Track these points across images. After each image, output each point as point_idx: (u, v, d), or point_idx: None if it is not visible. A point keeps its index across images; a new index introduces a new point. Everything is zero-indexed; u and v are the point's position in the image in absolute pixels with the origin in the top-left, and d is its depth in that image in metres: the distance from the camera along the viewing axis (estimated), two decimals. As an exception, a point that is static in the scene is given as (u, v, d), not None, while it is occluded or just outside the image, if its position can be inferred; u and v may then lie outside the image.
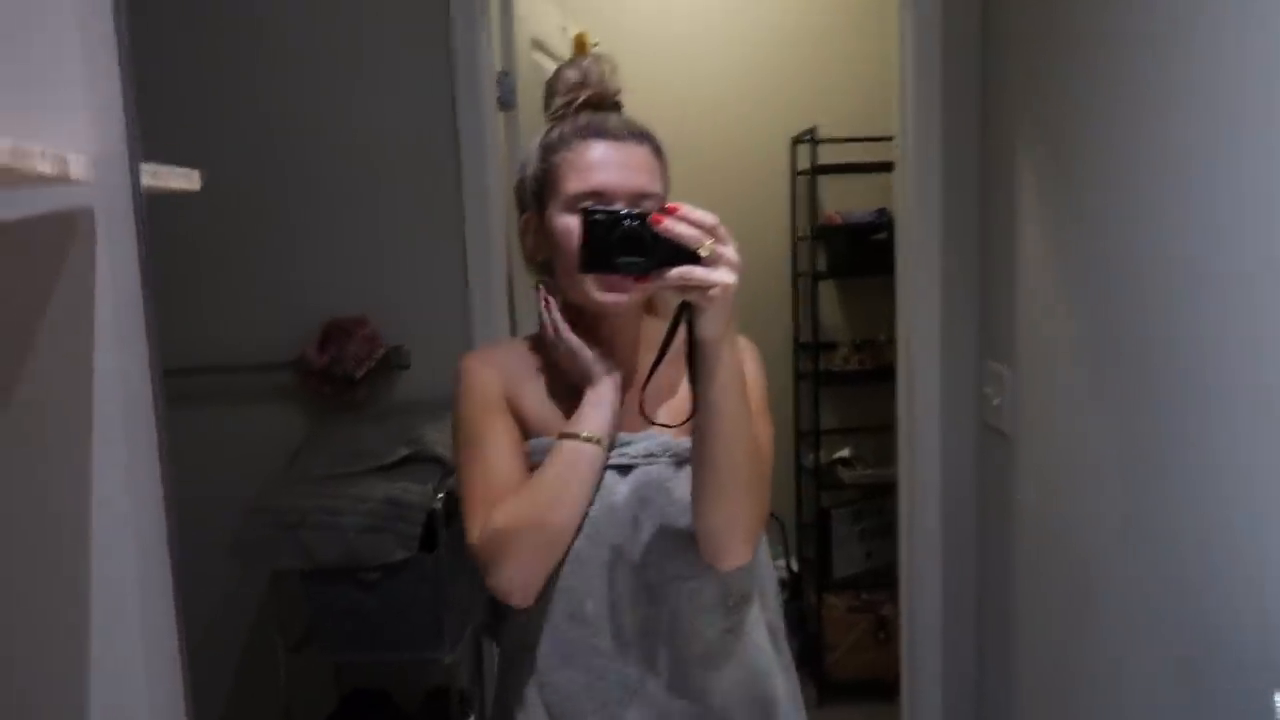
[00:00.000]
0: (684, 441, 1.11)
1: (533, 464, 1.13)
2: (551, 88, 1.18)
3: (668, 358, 1.08)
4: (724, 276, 0.93)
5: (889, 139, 2.26)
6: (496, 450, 1.14)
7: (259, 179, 2.11)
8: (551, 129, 1.14)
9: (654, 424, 1.09)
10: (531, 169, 1.15)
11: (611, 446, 1.12)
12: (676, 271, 0.93)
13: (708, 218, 0.94)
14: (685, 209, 0.94)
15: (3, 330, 0.51)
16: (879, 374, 3.03)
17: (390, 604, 1.84)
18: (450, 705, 1.94)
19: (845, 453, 3.49)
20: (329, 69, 2.09)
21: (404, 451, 1.88)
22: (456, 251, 2.13)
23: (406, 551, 1.77)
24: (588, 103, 1.14)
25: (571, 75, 1.16)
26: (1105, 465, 1.58)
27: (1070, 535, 1.72)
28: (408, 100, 2.09)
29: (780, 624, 1.24)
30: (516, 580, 1.09)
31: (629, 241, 0.94)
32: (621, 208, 0.97)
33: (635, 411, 1.11)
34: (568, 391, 1.16)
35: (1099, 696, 1.63)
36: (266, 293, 2.14)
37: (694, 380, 1.02)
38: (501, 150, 2.20)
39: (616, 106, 1.17)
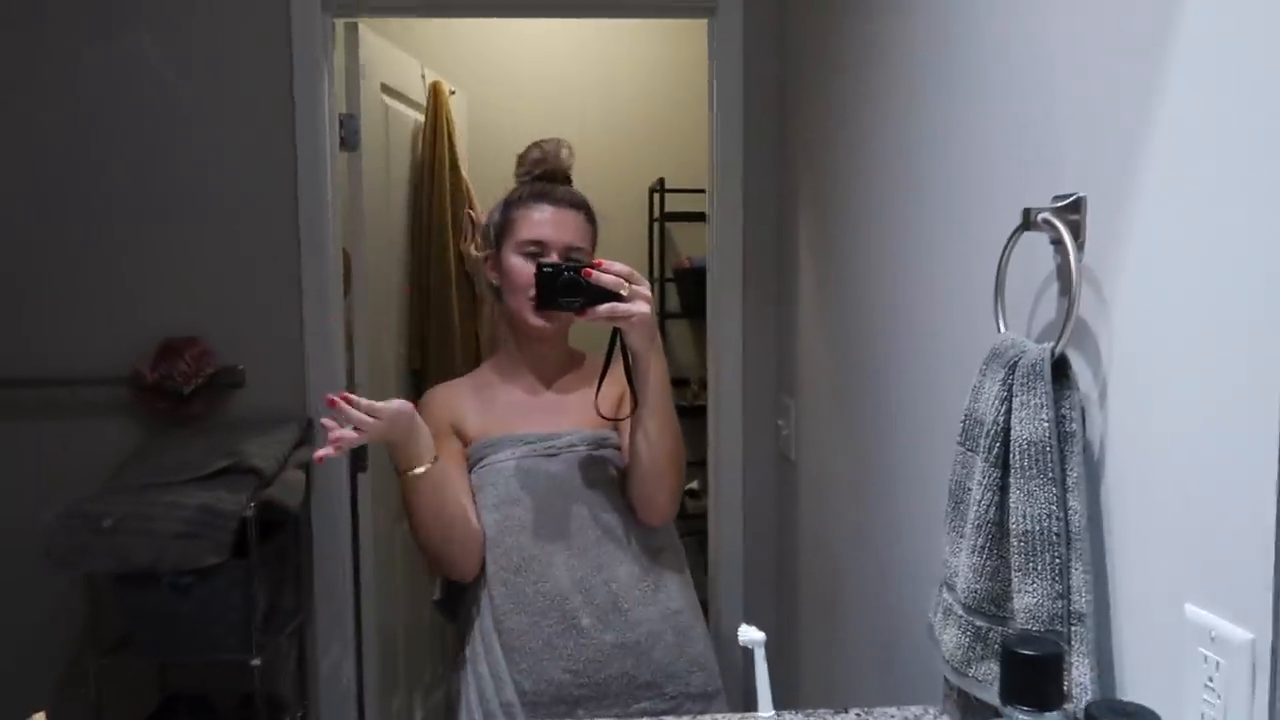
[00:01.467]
0: (600, 432, 1.53)
1: (472, 463, 1.54)
2: (521, 159, 1.62)
3: (610, 370, 1.51)
4: (639, 307, 1.33)
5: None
6: (446, 459, 1.49)
7: (100, 195, 2.21)
8: (514, 191, 1.58)
9: (606, 419, 1.51)
10: (495, 219, 1.57)
11: (540, 441, 1.52)
12: (605, 307, 1.31)
13: (623, 268, 1.34)
14: (607, 264, 1.33)
15: None
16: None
17: (202, 608, 1.94)
18: (258, 710, 2.03)
19: (694, 484, 3.66)
20: (177, 92, 2.20)
21: (223, 463, 1.98)
22: (294, 280, 2.25)
23: (218, 557, 1.87)
24: (543, 175, 1.58)
25: (535, 154, 1.60)
26: (844, 484, 1.78)
27: (828, 546, 1.91)
28: (250, 132, 2.22)
29: (687, 574, 1.60)
30: (457, 573, 1.52)
31: (569, 287, 1.34)
32: (563, 263, 1.39)
33: (561, 412, 1.56)
34: (508, 393, 1.59)
35: (843, 675, 1.81)
36: (103, 308, 2.23)
37: (631, 384, 1.42)
38: (341, 186, 2.35)
39: (567, 180, 1.61)
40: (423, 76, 2.89)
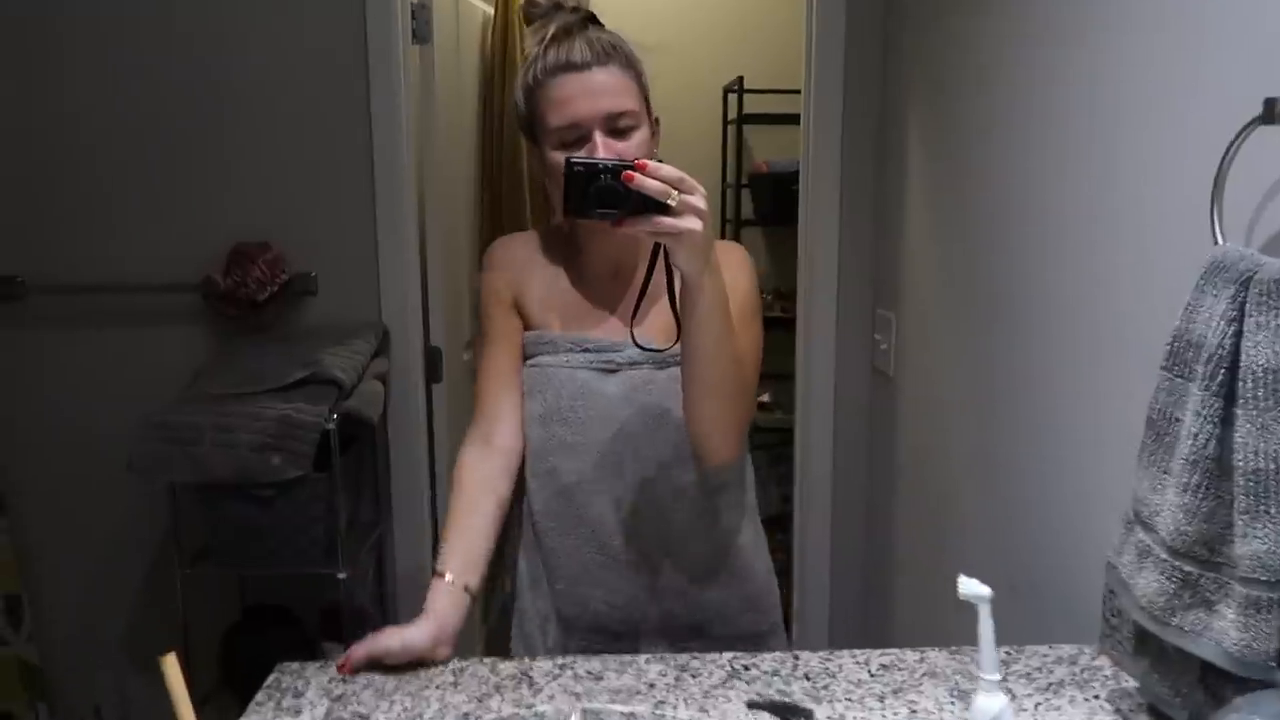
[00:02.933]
0: (667, 348, 1.24)
1: (526, 355, 1.31)
2: (528, 13, 1.28)
3: (650, 290, 1.21)
4: (689, 223, 1.02)
5: (803, 89, 2.30)
6: (495, 343, 1.33)
7: (165, 101, 2.11)
8: (528, 69, 1.23)
9: (644, 349, 1.23)
10: (521, 109, 1.26)
11: (599, 350, 1.27)
12: (649, 222, 1.02)
13: (673, 172, 1.02)
14: (653, 166, 1.02)
15: None
16: (798, 321, 3.10)
17: (285, 521, 1.90)
18: (343, 621, 2.00)
19: (765, 397, 3.57)
20: (240, -8, 2.09)
21: (301, 374, 1.92)
22: (366, 183, 2.15)
23: (299, 470, 1.82)
24: (556, 33, 1.22)
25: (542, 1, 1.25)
26: (960, 404, 1.67)
27: (935, 469, 1.81)
28: (319, 27, 2.10)
29: (755, 514, 1.39)
30: None
31: (604, 193, 1.04)
32: (599, 160, 1.06)
33: (626, 316, 1.27)
34: (578, 280, 1.31)
35: (953, 615, 1.73)
36: (175, 216, 2.15)
37: (675, 310, 1.16)
38: (415, 82, 2.22)
39: (589, 22, 1.24)
40: (491, -35, 2.71)
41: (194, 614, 2.02)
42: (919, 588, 1.94)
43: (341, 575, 1.94)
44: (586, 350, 1.28)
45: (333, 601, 2.03)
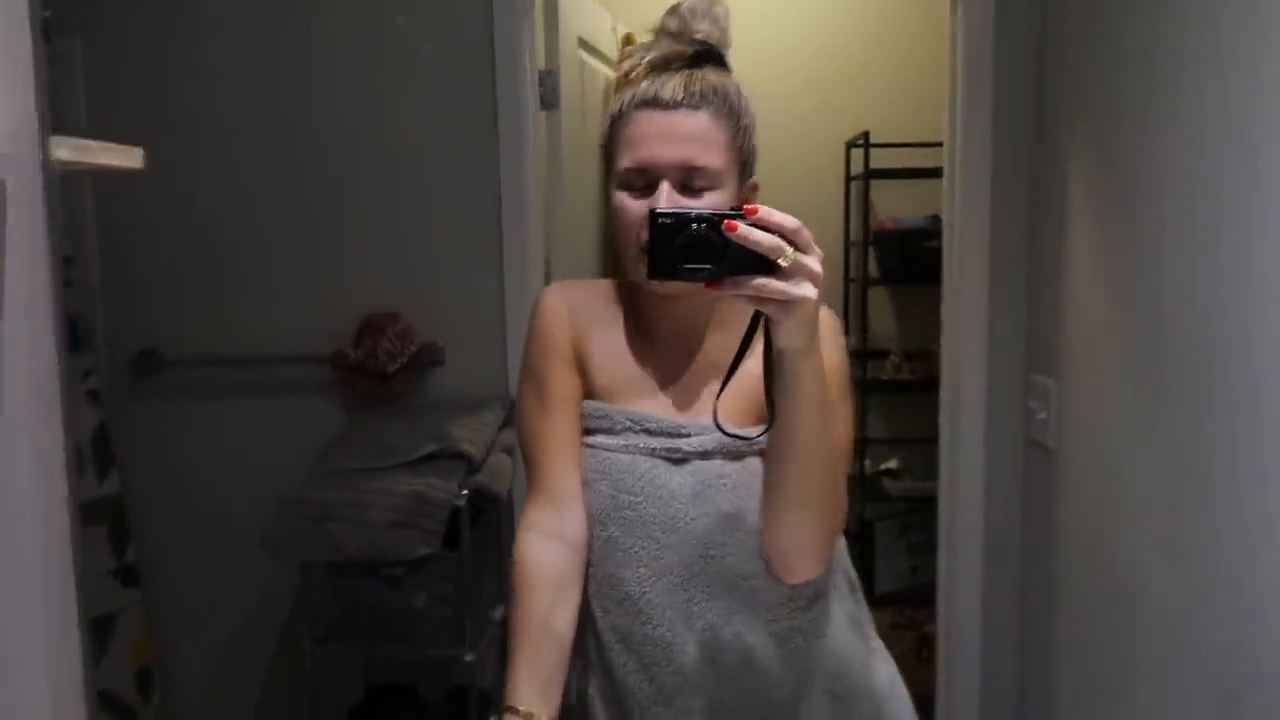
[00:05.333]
0: (744, 432, 1.05)
1: (585, 427, 1.10)
2: (662, 29, 1.11)
3: (707, 364, 1.05)
4: (804, 291, 0.84)
5: (942, 144, 2.19)
6: (556, 403, 1.11)
7: (301, 172, 2.14)
8: (619, 96, 1.07)
9: (727, 435, 1.02)
10: (602, 139, 1.10)
11: (665, 434, 1.07)
12: (752, 284, 0.84)
13: (789, 222, 0.84)
14: (765, 212, 0.84)
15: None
16: (930, 384, 2.95)
17: (413, 600, 1.85)
18: (470, 703, 1.93)
19: (893, 464, 3.41)
20: (371, 65, 2.10)
21: (431, 448, 1.88)
22: (494, 251, 2.13)
23: (429, 548, 1.77)
24: (655, 61, 1.06)
25: (672, 25, 1.09)
26: (1149, 485, 1.51)
27: (1113, 556, 1.64)
28: (449, 98, 2.10)
29: (864, 614, 1.18)
30: None
31: (697, 247, 0.85)
32: (692, 210, 0.89)
33: (698, 391, 1.08)
34: (641, 344, 1.12)
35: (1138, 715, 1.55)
36: (307, 288, 2.16)
37: (769, 390, 0.95)
38: (542, 149, 2.20)
39: (704, 58, 1.08)
40: (614, 29, 2.70)
41: (321, 692, 1.98)
42: (1089, 684, 1.76)
43: (469, 657, 1.87)
44: (648, 431, 1.07)
45: (459, 684, 1.96)
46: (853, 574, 1.19)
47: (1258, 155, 1.20)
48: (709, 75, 1.05)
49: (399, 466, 1.87)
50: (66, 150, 0.49)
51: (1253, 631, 1.22)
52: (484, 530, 2.06)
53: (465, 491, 1.83)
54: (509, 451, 2.07)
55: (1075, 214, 1.80)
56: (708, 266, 0.85)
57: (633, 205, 1.02)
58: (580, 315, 1.13)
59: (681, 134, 1.01)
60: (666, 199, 0.99)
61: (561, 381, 1.11)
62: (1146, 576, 1.51)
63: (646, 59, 1.07)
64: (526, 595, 1.06)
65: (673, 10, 1.10)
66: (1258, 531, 1.21)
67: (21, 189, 0.47)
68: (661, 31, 1.10)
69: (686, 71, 1.05)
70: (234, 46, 2.12)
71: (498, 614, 2.13)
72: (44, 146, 0.48)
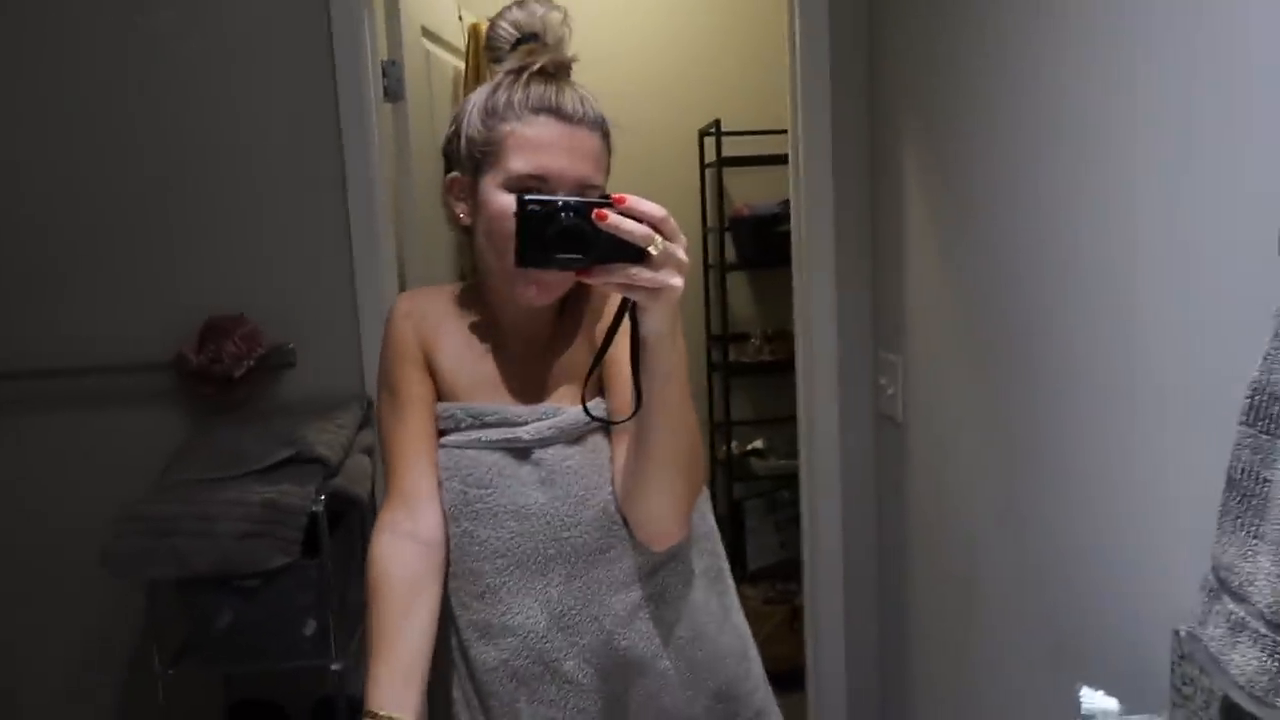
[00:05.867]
0: (572, 415, 1.07)
1: (439, 429, 1.13)
2: (498, 38, 1.09)
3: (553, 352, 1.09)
4: (671, 278, 0.86)
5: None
6: (408, 406, 1.13)
7: (131, 167, 2.02)
8: (498, 90, 1.05)
9: (594, 418, 1.05)
10: (472, 131, 1.06)
11: (504, 424, 1.09)
12: (624, 273, 0.85)
13: (657, 210, 0.86)
14: (633, 201, 0.85)
15: None
16: (791, 364, 3.04)
17: (273, 613, 1.78)
18: (340, 713, 1.88)
19: (759, 444, 3.49)
20: (206, 58, 2.01)
21: (285, 453, 1.81)
22: (343, 247, 2.07)
23: (287, 557, 1.71)
24: (545, 68, 1.06)
25: (519, 16, 1.08)
26: (985, 451, 1.60)
27: (957, 521, 1.73)
28: (287, 90, 2.02)
29: (723, 565, 1.21)
30: None
31: (568, 236, 0.85)
32: (559, 198, 0.88)
33: (539, 382, 1.11)
34: (490, 344, 1.14)
35: (985, 679, 1.65)
36: (142, 291, 2.05)
37: (636, 374, 0.96)
38: (389, 143, 2.14)
39: (568, 71, 1.09)
40: (460, 17, 2.65)
41: (177, 716, 1.89)
42: (944, 640, 1.86)
43: (335, 666, 1.82)
44: (488, 424, 1.10)
45: (328, 694, 1.91)
46: (711, 522, 1.21)
47: (1075, 142, 1.28)
48: (588, 95, 1.07)
49: (249, 474, 1.80)
50: None
51: (1075, 581, 1.31)
52: (346, 534, 2.00)
53: (322, 496, 1.77)
54: (368, 453, 2.02)
55: (912, 196, 1.88)
56: (578, 256, 0.85)
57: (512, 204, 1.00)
58: (429, 319, 1.15)
59: (581, 150, 1.03)
60: None
61: (412, 386, 1.13)
62: (986, 539, 1.60)
63: (533, 64, 1.06)
64: (381, 596, 1.07)
65: (522, 6, 1.09)
66: (1076, 491, 1.30)
67: None
68: (505, 28, 1.08)
69: (571, 86, 1.06)
70: (59, 38, 1.99)
71: (366, 619, 2.08)
72: None
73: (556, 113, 1.03)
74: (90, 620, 2.10)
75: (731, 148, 3.15)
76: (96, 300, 2.04)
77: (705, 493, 1.18)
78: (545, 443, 1.09)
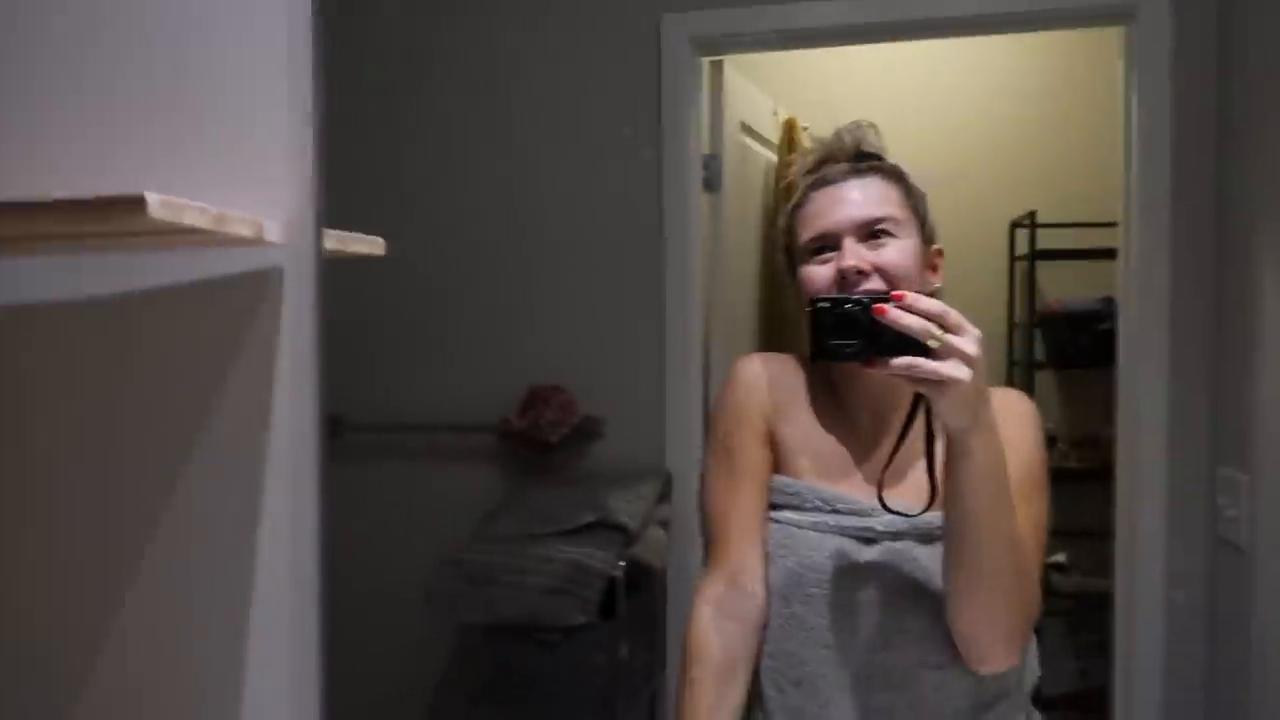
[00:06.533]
0: (931, 517, 1.04)
1: (771, 502, 1.11)
2: (825, 147, 1.21)
3: (907, 443, 1.05)
4: (953, 371, 0.86)
5: (1112, 224, 2.12)
6: (744, 476, 1.12)
7: (470, 244, 2.26)
8: (791, 198, 1.17)
9: (892, 512, 1.04)
10: (781, 242, 1.18)
11: (855, 513, 1.08)
12: (900, 362, 0.88)
13: (935, 306, 0.89)
14: (912, 298, 0.89)
15: (194, 378, 0.58)
16: (1100, 473, 2.80)
17: (567, 668, 1.87)
18: (619, 778, 1.92)
19: (1061, 557, 3.22)
20: (542, 144, 2.22)
21: (589, 518, 1.92)
22: (655, 328, 2.18)
23: (585, 616, 1.80)
24: (821, 158, 1.16)
25: (845, 139, 1.18)
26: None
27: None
28: (616, 178, 2.19)
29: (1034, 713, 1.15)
30: None
31: (851, 327, 0.91)
32: (847, 295, 0.96)
33: (890, 473, 1.08)
34: (835, 422, 1.13)
35: None
36: (474, 356, 2.26)
37: (930, 468, 0.98)
38: (705, 231, 2.25)
39: (860, 155, 1.16)
40: (775, 113, 2.76)
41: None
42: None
43: (619, 729, 1.87)
44: (838, 511, 1.07)
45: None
46: (1034, 674, 1.15)
47: None
48: (867, 152, 1.15)
49: (558, 534, 1.92)
50: (331, 240, 0.56)
51: None
52: (638, 602, 2.07)
53: (622, 563, 1.85)
54: (664, 525, 2.09)
55: (1267, 298, 1.70)
56: (856, 343, 0.91)
57: (817, 271, 1.08)
58: (777, 388, 1.15)
59: (853, 198, 1.09)
60: (849, 254, 1.04)
61: (752, 455, 1.12)
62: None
63: (814, 156, 1.16)
64: (698, 675, 1.06)
65: (836, 134, 1.19)
66: None
67: (298, 275, 0.55)
68: (816, 149, 1.19)
69: (847, 160, 1.15)
70: (414, 120, 2.27)
71: (650, 688, 2.13)
72: (318, 237, 0.55)
73: (822, 183, 1.12)
74: (401, 659, 2.30)
75: (1045, 240, 3.01)
76: (441, 366, 2.28)
77: (1034, 643, 1.12)
78: (896, 536, 1.06)
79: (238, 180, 0.56)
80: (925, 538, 1.04)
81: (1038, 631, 3.16)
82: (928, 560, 1.04)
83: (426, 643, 2.25)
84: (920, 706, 1.03)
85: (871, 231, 1.06)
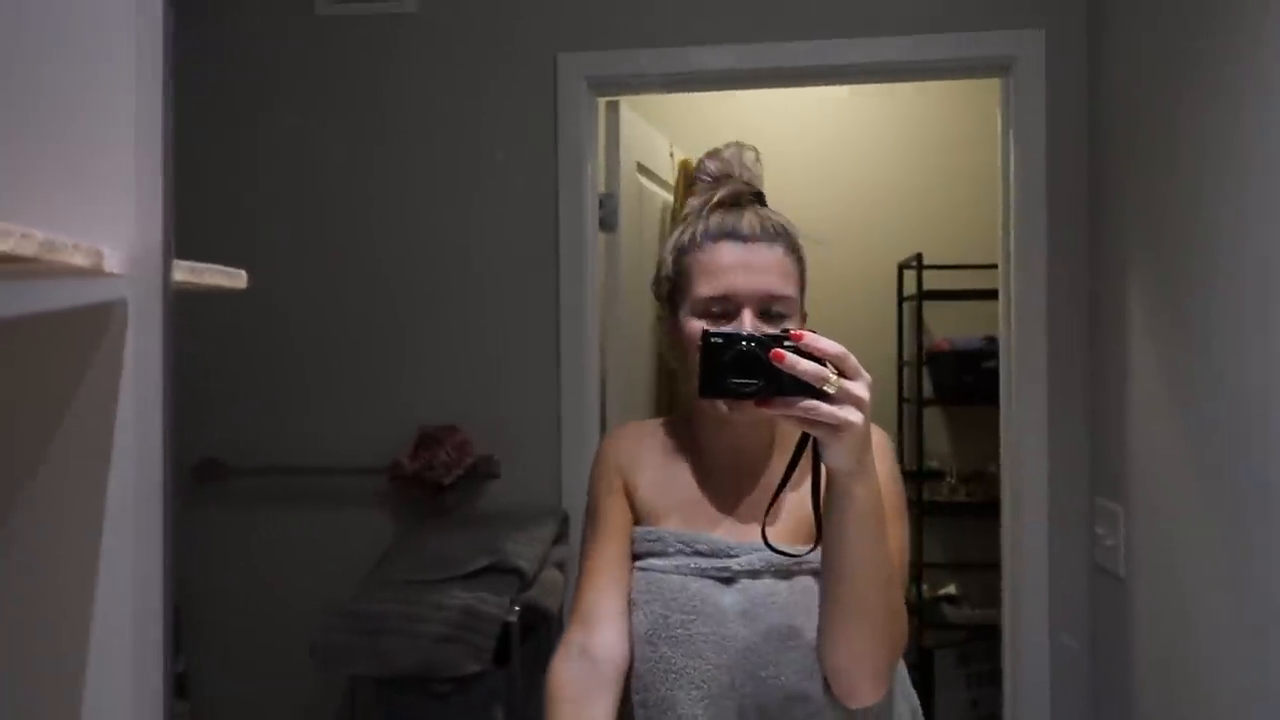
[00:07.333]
0: (794, 553, 1.06)
1: (636, 552, 1.12)
2: (688, 176, 1.18)
3: (771, 484, 1.05)
4: (848, 415, 0.86)
5: (994, 266, 2.21)
6: (605, 533, 1.15)
7: (361, 284, 2.21)
8: (685, 229, 1.12)
9: (778, 552, 1.03)
10: (666, 269, 1.13)
11: (715, 554, 1.09)
12: (803, 405, 0.87)
13: (833, 348, 0.88)
14: (811, 339, 0.88)
15: (28, 418, 0.53)
16: (987, 507, 2.89)
17: (459, 717, 1.81)
18: (515, 831, 1.86)
19: (951, 589, 3.30)
20: (437, 184, 2.19)
21: (484, 561, 1.87)
22: (551, 367, 2.16)
23: (479, 664, 1.74)
24: (724, 199, 1.12)
25: (712, 167, 1.15)
26: (1227, 615, 1.45)
27: (1192, 689, 1.56)
28: (512, 218, 2.17)
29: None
30: None
31: (746, 366, 0.89)
32: (742, 331, 0.94)
33: (748, 513, 1.09)
34: (699, 472, 1.15)
35: None
36: (365, 398, 2.20)
37: (816, 509, 0.97)
38: (601, 270, 2.25)
39: (757, 199, 1.14)
40: (670, 154, 2.79)
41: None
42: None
43: (517, 781, 1.81)
44: (698, 553, 1.09)
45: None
46: (915, 701, 1.17)
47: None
48: (772, 215, 1.10)
49: (452, 579, 1.86)
50: (182, 272, 0.53)
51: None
52: (535, 647, 2.02)
53: (517, 607, 1.81)
54: (560, 567, 2.06)
55: (1136, 335, 1.79)
56: (755, 383, 0.88)
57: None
58: (629, 450, 1.19)
59: (760, 265, 1.06)
60: (750, 325, 1.03)
61: (611, 514, 1.16)
62: (1229, 714, 1.44)
63: (712, 197, 1.11)
64: (551, 713, 1.07)
65: (713, 154, 1.16)
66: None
67: (144, 309, 0.51)
68: (701, 173, 1.16)
69: (751, 208, 1.10)
70: (300, 158, 2.22)
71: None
72: (166, 268, 0.52)
73: (733, 235, 1.07)
74: (292, 711, 2.20)
75: (932, 281, 3.12)
76: (328, 407, 2.21)
77: (904, 668, 1.14)
78: (754, 574, 1.07)
79: (76, 208, 0.51)
80: (783, 574, 1.06)
81: (930, 663, 3.21)
82: (787, 594, 1.06)
83: (316, 696, 2.16)
84: None
85: (770, 306, 1.05)
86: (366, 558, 2.05)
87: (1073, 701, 2.04)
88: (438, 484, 2.07)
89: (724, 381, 0.90)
